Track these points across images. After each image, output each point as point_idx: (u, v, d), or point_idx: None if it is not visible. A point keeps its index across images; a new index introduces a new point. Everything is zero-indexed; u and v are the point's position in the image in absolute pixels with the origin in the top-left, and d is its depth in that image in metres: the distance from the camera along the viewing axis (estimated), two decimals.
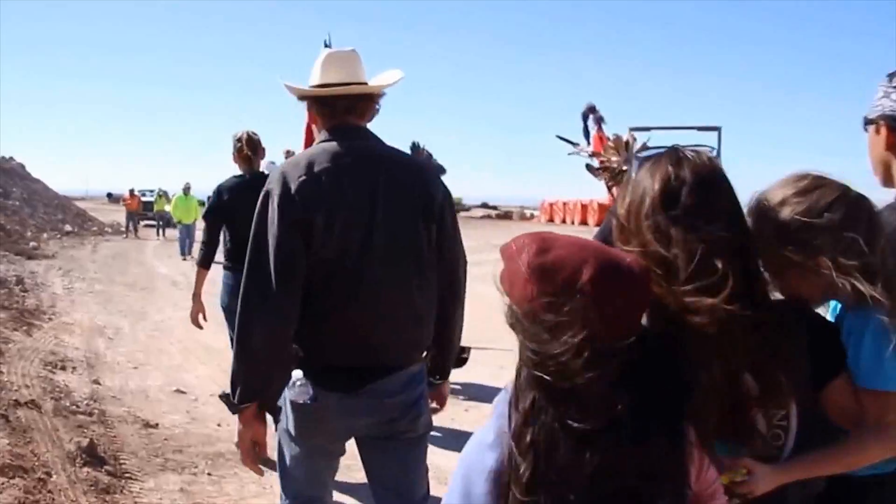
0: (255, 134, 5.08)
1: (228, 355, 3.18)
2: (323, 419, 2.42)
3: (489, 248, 7.79)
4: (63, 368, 6.94)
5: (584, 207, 42.78)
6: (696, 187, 1.38)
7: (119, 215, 30.59)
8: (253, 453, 2.43)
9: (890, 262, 1.51)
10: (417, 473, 2.57)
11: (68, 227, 25.09)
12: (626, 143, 3.88)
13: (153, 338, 9.20)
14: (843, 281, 1.46)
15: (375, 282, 2.34)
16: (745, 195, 1.59)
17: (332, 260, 2.32)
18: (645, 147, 2.85)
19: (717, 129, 18.51)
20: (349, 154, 2.40)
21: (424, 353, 2.55)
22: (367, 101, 2.53)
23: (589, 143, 5.16)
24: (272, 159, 9.85)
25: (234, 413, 2.39)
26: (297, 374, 2.39)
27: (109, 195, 68.43)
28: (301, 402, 2.39)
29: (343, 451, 2.63)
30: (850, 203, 1.53)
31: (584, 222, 41.66)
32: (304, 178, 2.31)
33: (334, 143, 2.42)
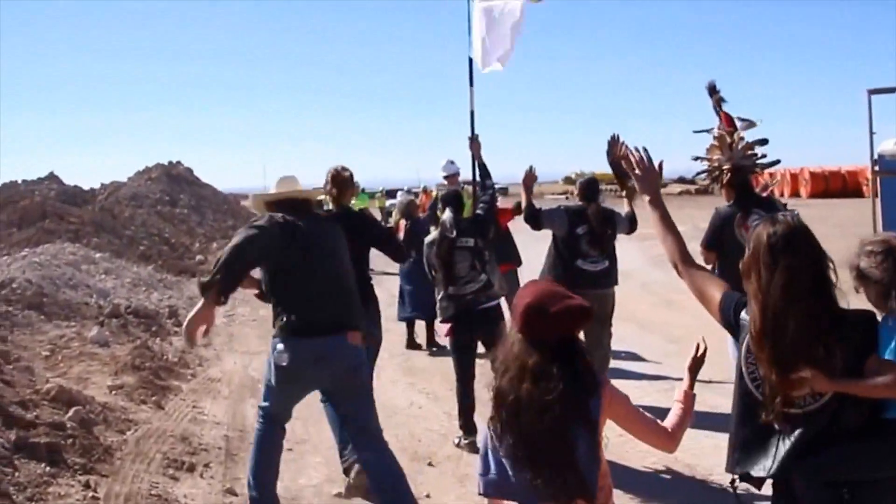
0: (345, 170, 5.31)
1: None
2: (295, 374, 4.06)
3: (700, 236, 5.77)
4: (191, 469, 5.13)
5: (795, 177, 37.87)
6: (783, 237, 2.37)
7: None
8: (198, 330, 3.84)
9: None
10: (370, 409, 4.31)
11: None
12: (731, 143, 5.17)
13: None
14: (882, 300, 2.50)
15: (318, 273, 4.04)
16: None
17: (291, 263, 4.02)
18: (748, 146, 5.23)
19: None
20: (292, 220, 4.12)
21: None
22: (304, 201, 4.38)
23: (720, 121, 5.84)
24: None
25: (202, 295, 3.85)
26: (279, 346, 4.02)
27: None
28: (282, 364, 4.01)
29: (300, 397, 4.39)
30: (893, 255, 2.50)
31: (795, 193, 36.45)
32: (269, 224, 4.03)
33: (280, 214, 4.12)
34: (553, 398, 2.25)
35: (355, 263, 4.53)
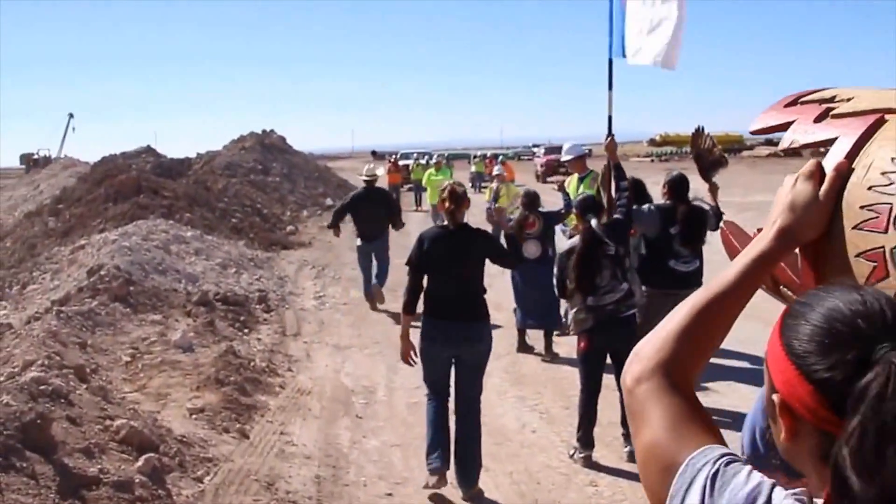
0: (460, 186, 5.24)
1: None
2: (363, 249, 10.88)
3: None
4: None
5: None
6: None
7: (382, 180, 29.33)
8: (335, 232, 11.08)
9: None
10: (386, 254, 11.18)
11: (329, 201, 23.88)
12: None
13: (418, 405, 6.38)
14: None
15: (366, 209, 10.68)
16: None
17: (357, 207, 10.74)
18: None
19: None
20: (366, 192, 10.94)
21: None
22: (374, 179, 11.07)
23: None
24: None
25: (330, 228, 11.32)
26: (358, 241, 10.92)
27: (374, 153, 68.25)
28: (358, 244, 11.05)
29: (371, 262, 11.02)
30: None
31: None
32: (354, 194, 11.33)
33: (364, 189, 11.00)
34: None
35: (473, 272, 5.07)
